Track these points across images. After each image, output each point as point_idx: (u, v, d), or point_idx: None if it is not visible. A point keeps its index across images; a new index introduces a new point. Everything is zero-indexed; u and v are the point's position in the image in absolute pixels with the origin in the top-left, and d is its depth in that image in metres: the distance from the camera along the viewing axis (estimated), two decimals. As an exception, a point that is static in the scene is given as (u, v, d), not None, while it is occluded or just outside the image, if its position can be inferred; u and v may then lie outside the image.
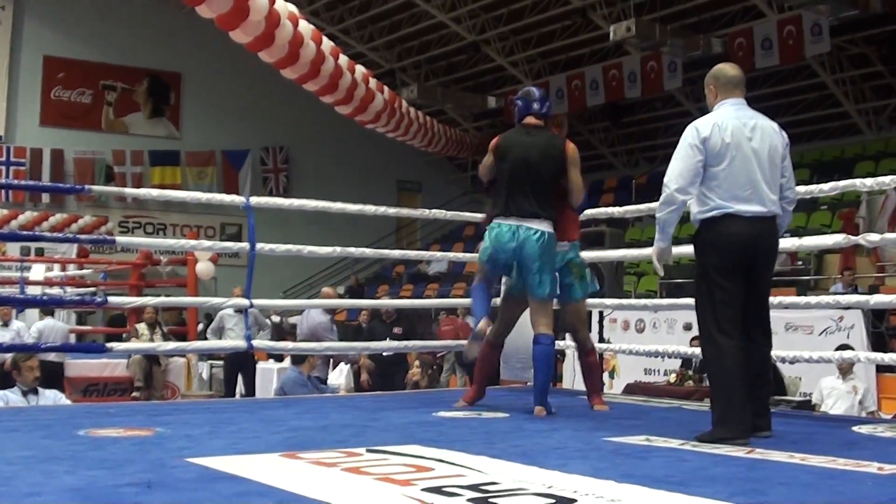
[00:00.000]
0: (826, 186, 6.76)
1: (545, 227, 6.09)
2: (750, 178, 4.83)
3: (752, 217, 4.81)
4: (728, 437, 4.57)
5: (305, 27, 12.45)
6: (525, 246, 6.02)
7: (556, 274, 6.34)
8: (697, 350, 9.00)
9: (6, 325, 12.14)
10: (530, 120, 6.29)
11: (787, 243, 8.55)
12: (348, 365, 12.93)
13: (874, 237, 6.40)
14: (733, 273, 4.80)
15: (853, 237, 6.36)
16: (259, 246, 7.41)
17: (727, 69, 5.13)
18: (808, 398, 10.51)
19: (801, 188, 7.08)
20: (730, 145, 4.82)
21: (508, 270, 6.22)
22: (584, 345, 6.71)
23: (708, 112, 5.08)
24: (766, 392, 5.09)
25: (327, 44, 13.46)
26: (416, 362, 9.53)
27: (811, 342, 11.20)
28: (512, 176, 6.13)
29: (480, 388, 6.65)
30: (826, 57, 20.83)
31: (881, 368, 10.99)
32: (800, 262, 16.44)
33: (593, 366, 6.72)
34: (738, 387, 4.68)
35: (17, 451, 4.19)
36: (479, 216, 9.87)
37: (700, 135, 4.84)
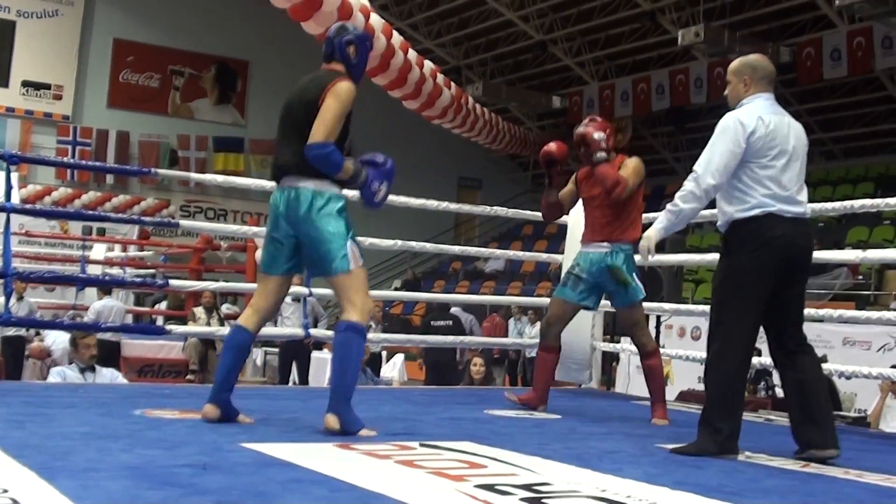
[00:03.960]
0: (892, 201, 6.67)
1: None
2: (790, 177, 4.60)
3: (793, 218, 4.57)
4: (719, 452, 4.43)
5: (377, 21, 12.49)
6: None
7: None
8: (757, 360, 8.98)
9: (21, 299, 12.24)
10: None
11: (849, 256, 8.51)
12: (402, 358, 13.00)
13: (940, 254, 6.31)
14: (767, 277, 4.55)
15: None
16: (320, 235, 7.43)
17: (766, 62, 4.83)
18: (863, 414, 10.39)
19: (866, 202, 7.05)
20: (774, 142, 4.59)
21: None
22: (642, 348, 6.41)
23: (730, 105, 4.87)
24: (828, 405, 4.74)
25: (397, 38, 13.49)
26: (479, 359, 9.48)
27: (868, 358, 11.09)
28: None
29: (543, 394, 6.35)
30: (895, 70, 20.55)
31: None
32: (860, 277, 16.27)
33: (653, 370, 6.32)
34: (742, 399, 4.68)
35: (75, 426, 4.27)
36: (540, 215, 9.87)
37: (746, 129, 4.60)
